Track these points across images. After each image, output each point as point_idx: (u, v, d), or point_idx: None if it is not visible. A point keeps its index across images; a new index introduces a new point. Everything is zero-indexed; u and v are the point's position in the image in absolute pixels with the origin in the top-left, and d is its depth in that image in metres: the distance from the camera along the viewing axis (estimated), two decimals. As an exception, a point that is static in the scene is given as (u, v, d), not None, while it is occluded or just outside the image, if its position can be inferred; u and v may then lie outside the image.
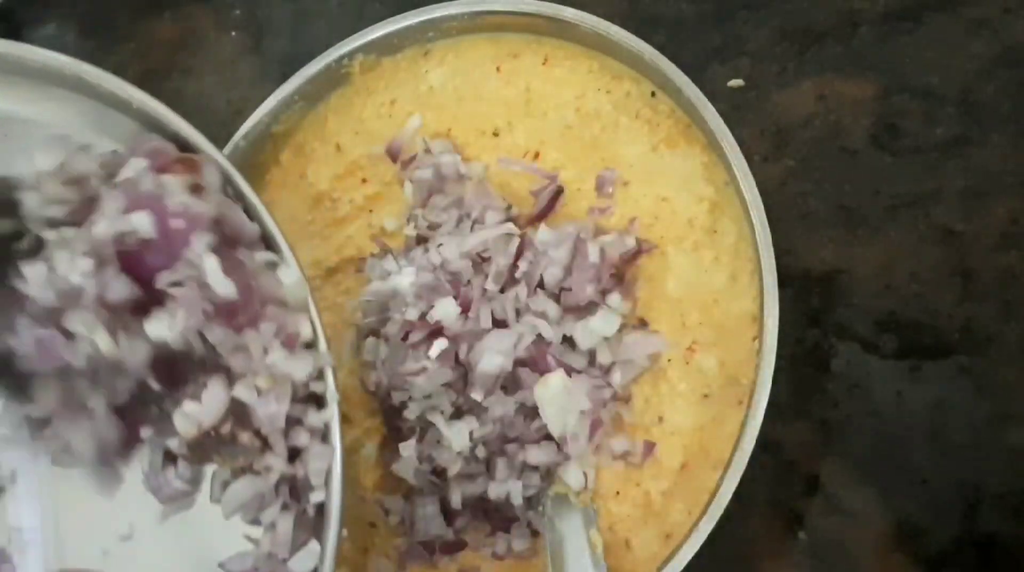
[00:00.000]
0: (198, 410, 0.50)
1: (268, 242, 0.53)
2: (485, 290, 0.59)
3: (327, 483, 0.50)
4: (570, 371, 0.58)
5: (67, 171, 0.51)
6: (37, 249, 0.50)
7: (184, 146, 0.54)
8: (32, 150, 0.52)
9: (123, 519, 0.54)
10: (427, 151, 0.65)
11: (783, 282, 0.55)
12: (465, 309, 0.59)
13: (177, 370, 0.51)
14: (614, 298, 0.59)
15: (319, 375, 0.52)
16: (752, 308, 0.58)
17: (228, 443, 0.51)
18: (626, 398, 0.59)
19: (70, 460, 0.52)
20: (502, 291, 0.60)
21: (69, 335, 0.48)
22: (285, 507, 0.51)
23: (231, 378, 0.50)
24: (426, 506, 0.60)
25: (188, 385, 0.51)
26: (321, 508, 0.51)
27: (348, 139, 0.67)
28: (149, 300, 0.49)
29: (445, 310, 0.58)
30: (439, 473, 0.60)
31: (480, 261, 0.60)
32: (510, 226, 0.60)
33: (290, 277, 0.52)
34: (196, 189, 0.51)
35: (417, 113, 0.66)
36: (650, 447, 0.57)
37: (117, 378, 0.49)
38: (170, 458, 0.53)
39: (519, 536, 0.59)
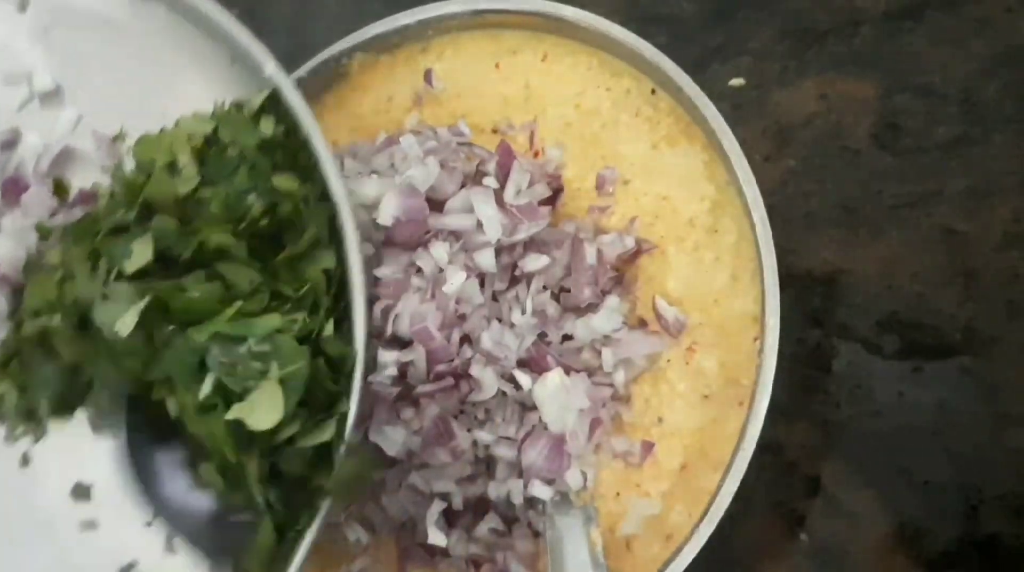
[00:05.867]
0: None
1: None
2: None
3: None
4: (569, 370, 0.58)
5: None
6: None
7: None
8: None
9: None
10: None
11: (784, 282, 0.55)
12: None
13: None
14: (613, 298, 0.59)
15: None
16: (753, 308, 0.57)
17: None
18: (625, 398, 0.58)
19: None
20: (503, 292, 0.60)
21: None
22: None
23: None
24: (427, 507, 0.59)
25: None
26: None
27: (344, 135, 0.67)
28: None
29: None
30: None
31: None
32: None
33: None
34: None
35: (415, 110, 0.66)
36: (649, 447, 0.57)
37: None
38: None
39: (520, 536, 0.58)
